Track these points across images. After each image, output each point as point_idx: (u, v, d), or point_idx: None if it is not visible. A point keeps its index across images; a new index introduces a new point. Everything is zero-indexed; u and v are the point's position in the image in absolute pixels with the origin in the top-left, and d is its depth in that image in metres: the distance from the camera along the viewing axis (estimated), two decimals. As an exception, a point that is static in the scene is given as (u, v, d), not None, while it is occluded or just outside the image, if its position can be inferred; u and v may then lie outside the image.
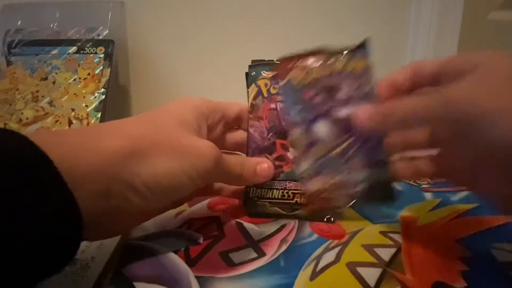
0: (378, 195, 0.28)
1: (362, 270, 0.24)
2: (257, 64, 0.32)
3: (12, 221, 0.17)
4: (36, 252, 0.18)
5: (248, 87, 0.33)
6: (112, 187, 0.21)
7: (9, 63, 0.55)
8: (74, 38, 0.56)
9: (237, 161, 0.29)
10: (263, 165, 0.30)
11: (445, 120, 0.23)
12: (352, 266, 0.24)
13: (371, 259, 0.25)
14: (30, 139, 0.19)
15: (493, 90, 0.21)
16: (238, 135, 0.34)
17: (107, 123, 0.25)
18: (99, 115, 0.52)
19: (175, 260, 0.25)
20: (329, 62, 0.28)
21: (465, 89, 0.22)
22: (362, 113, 0.26)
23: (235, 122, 0.33)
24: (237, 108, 0.32)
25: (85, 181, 0.20)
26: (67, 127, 0.51)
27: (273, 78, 0.32)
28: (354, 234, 0.28)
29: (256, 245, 0.27)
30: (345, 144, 0.28)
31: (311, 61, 0.29)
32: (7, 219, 0.17)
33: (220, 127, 0.32)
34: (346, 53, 0.28)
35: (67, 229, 0.19)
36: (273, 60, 0.32)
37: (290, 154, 0.31)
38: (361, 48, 0.28)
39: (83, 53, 0.55)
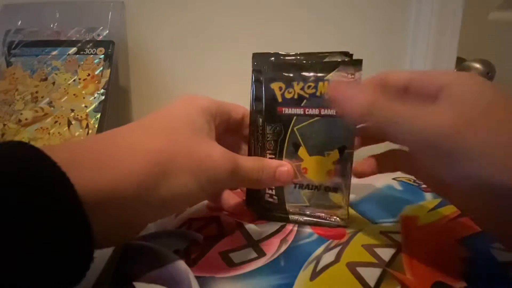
0: None
1: (362, 270, 0.24)
2: None
3: (26, 239, 0.17)
4: (46, 275, 0.18)
5: (252, 79, 0.32)
6: (128, 209, 0.21)
7: (9, 64, 0.55)
8: (74, 38, 0.56)
9: (255, 165, 0.28)
10: (283, 168, 0.29)
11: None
12: (352, 266, 0.24)
13: (371, 259, 0.25)
14: (49, 157, 0.18)
15: (467, 121, 0.20)
16: (234, 139, 0.33)
17: (121, 132, 0.24)
18: (98, 115, 0.51)
19: (175, 260, 0.25)
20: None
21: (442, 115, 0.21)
22: (347, 90, 0.25)
23: (236, 126, 0.32)
24: (242, 111, 0.32)
25: (101, 205, 0.19)
26: (67, 128, 0.51)
27: None
28: (354, 234, 0.28)
29: (256, 245, 0.27)
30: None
31: None
32: (22, 238, 0.17)
33: (222, 128, 0.31)
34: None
35: (78, 252, 0.19)
36: None
37: None
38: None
39: (83, 54, 0.55)
